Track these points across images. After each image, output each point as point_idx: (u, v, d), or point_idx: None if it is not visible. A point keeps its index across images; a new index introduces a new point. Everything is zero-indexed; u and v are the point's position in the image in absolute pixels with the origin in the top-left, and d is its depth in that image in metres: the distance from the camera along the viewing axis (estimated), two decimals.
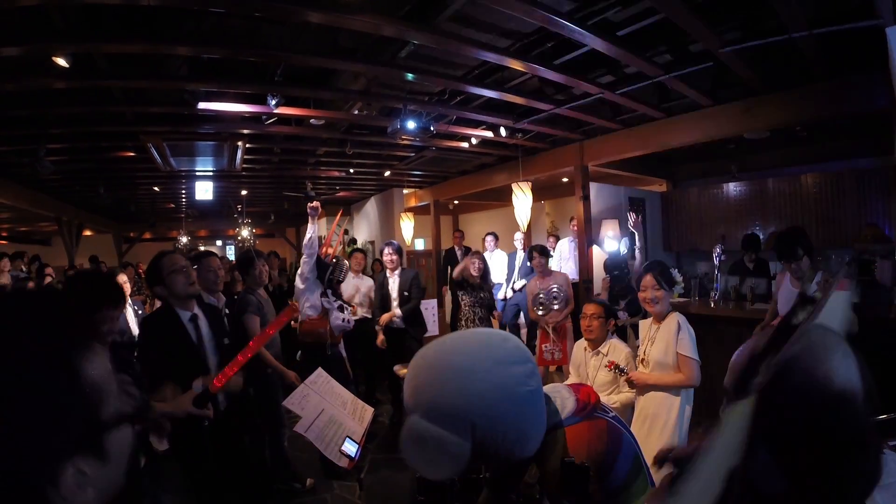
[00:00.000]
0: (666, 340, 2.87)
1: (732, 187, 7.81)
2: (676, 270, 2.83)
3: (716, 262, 5.64)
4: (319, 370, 2.67)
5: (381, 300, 5.30)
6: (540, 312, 4.98)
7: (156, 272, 2.63)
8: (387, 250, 5.25)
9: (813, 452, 0.72)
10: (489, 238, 7.61)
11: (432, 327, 5.47)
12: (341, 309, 4.33)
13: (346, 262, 4.72)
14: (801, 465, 0.73)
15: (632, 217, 5.07)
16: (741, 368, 0.99)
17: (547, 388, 1.25)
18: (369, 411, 2.69)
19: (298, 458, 4.30)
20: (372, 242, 11.42)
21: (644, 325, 3.13)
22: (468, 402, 1.05)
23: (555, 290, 4.96)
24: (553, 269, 5.52)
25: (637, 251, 5.11)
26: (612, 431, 1.19)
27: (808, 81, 4.37)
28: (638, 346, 3.14)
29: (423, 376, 1.12)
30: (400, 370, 3.66)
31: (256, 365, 3.69)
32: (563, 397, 1.24)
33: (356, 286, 5.74)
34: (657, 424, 2.87)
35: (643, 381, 2.93)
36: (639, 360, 3.06)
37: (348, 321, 4.33)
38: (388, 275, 5.28)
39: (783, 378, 0.77)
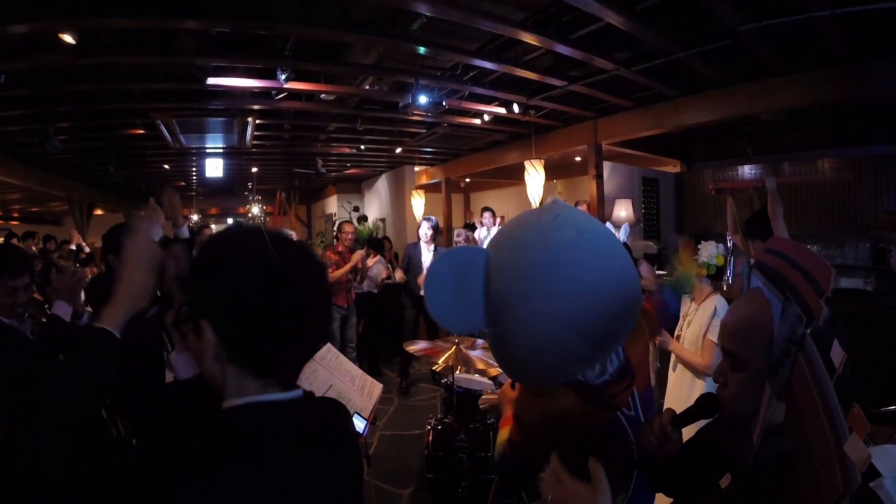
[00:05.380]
0: (700, 322, 2.83)
1: (747, 170, 7.67)
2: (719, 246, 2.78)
3: (729, 245, 5.54)
4: (328, 346, 2.68)
5: (410, 268, 5.96)
6: None
7: (116, 242, 2.45)
8: (427, 225, 5.97)
9: None
10: (486, 214, 7.39)
11: None
12: None
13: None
14: None
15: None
16: None
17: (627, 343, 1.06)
18: (378, 387, 2.71)
19: None
20: (383, 220, 11.40)
21: (685, 301, 3.11)
22: (521, 305, 0.88)
23: None
24: None
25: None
26: (610, 432, 1.03)
27: (828, 63, 4.25)
28: None
29: (511, 229, 0.96)
30: (409, 346, 3.65)
31: None
32: (608, 364, 1.00)
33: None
34: (679, 402, 2.82)
35: (667, 346, 2.92)
36: (675, 336, 3.04)
37: None
38: (425, 248, 5.94)
39: None
